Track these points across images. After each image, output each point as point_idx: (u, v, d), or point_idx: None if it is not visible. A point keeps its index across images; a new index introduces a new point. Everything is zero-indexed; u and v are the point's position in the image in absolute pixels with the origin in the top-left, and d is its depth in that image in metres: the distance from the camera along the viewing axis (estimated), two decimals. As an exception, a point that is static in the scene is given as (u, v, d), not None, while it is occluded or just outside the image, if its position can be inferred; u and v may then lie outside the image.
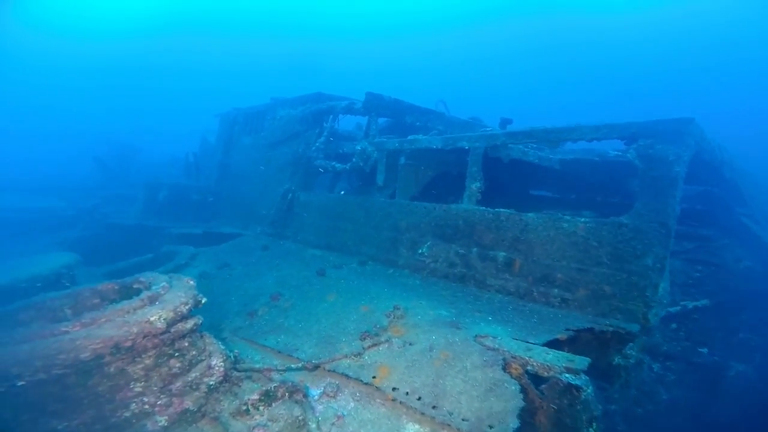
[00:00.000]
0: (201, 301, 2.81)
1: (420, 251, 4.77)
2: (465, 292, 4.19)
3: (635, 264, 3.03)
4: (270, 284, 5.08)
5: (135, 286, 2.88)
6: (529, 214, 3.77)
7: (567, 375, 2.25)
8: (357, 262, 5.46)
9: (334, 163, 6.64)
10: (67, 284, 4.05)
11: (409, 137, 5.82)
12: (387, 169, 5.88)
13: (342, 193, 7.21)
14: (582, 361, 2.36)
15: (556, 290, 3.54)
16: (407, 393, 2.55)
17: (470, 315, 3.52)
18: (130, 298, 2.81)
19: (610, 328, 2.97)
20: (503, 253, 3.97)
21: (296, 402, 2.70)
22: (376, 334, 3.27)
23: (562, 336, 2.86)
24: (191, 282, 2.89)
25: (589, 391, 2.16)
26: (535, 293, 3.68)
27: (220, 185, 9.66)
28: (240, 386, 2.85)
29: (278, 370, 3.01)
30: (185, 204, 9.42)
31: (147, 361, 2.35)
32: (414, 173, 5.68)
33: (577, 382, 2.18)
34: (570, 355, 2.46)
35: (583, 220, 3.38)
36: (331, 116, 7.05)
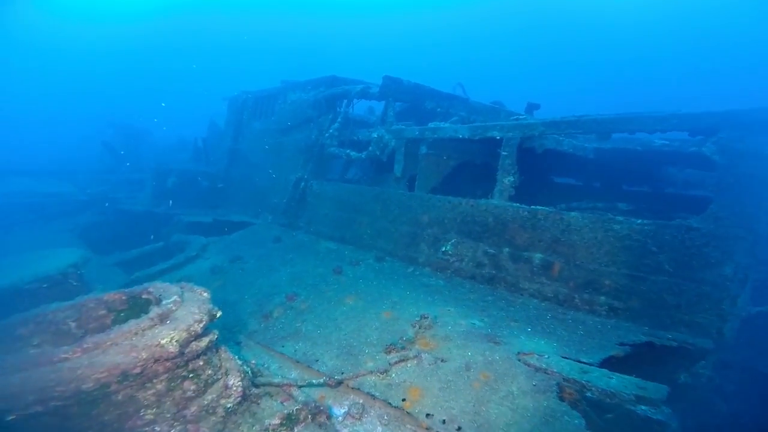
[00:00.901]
0: (216, 315, 2.55)
1: (443, 249, 4.45)
2: (495, 296, 3.89)
3: (709, 273, 2.68)
4: (284, 282, 4.84)
5: (144, 296, 2.63)
6: (572, 214, 3.40)
7: (643, 407, 1.95)
8: (374, 258, 5.18)
9: (348, 150, 6.26)
10: (75, 284, 3.84)
11: (430, 125, 5.40)
12: (405, 159, 5.50)
13: (352, 184, 6.85)
14: (658, 390, 2.05)
15: (602, 298, 3.21)
16: (444, 421, 2.29)
17: (506, 325, 3.23)
18: (139, 311, 2.57)
19: (674, 343, 2.65)
20: (540, 255, 3.63)
21: (319, 425, 2.47)
22: (403, 348, 3.00)
23: (618, 353, 2.55)
24: (205, 294, 2.62)
25: (674, 427, 1.86)
26: (578, 300, 3.36)
27: (229, 171, 9.37)
28: (259, 404, 2.62)
29: (298, 386, 2.78)
30: (194, 190, 9.19)
31: (158, 386, 2.12)
32: (435, 163, 5.29)
33: (659, 417, 1.88)
34: (639, 381, 2.16)
35: (639, 222, 3.00)
36: (346, 101, 6.62)
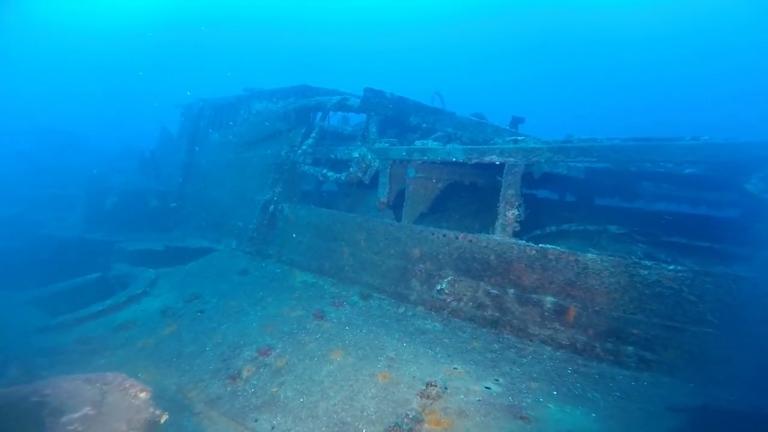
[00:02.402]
0: (160, 420, 1.84)
1: (438, 287, 3.96)
2: (502, 342, 3.45)
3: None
4: (255, 329, 4.09)
5: (34, 399, 1.82)
6: (590, 255, 3.05)
7: None
8: (358, 295, 4.58)
9: (325, 170, 5.63)
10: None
11: (417, 143, 4.93)
12: (391, 181, 4.98)
13: (330, 210, 6.22)
14: None
15: (630, 348, 2.86)
16: None
17: (526, 387, 2.77)
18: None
19: (739, 406, 2.30)
20: (552, 298, 3.24)
21: None
22: (410, 430, 2.43)
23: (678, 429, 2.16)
24: (142, 395, 1.89)
25: None
26: (600, 350, 2.99)
27: (184, 188, 8.33)
28: None
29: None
30: (141, 211, 8.01)
31: None
32: (423, 187, 4.82)
33: None
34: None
35: (671, 268, 2.70)
36: (321, 114, 5.99)
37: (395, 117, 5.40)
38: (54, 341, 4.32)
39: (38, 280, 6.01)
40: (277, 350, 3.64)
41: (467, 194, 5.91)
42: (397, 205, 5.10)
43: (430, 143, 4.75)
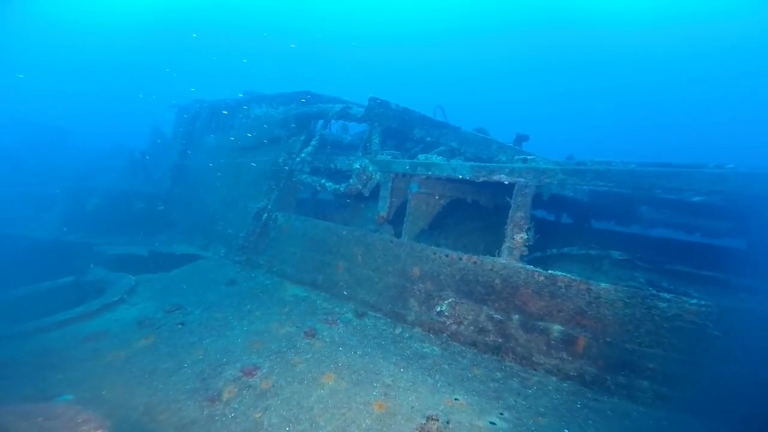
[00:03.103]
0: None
1: (438, 309, 3.75)
2: (505, 371, 3.23)
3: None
4: (240, 345, 3.80)
5: None
6: (603, 285, 2.89)
7: None
8: (353, 313, 4.33)
9: (323, 180, 5.44)
10: None
11: (420, 157, 4.80)
12: (392, 195, 4.81)
13: (327, 222, 6.00)
14: None
15: (645, 383, 2.68)
16: None
17: (533, 422, 2.56)
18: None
19: None
20: (559, 327, 3.06)
21: None
22: (413, 469, 2.18)
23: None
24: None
25: None
26: (611, 383, 2.80)
27: (173, 191, 8.02)
28: None
29: None
30: (125, 214, 7.64)
31: None
32: (425, 203, 4.66)
33: None
34: None
35: (694, 302, 2.55)
36: (322, 122, 5.85)
37: (399, 129, 5.28)
38: (6, 352, 3.82)
39: (3, 284, 5.56)
40: (264, 370, 3.35)
41: (467, 211, 5.77)
42: (396, 219, 4.92)
43: (434, 158, 4.63)
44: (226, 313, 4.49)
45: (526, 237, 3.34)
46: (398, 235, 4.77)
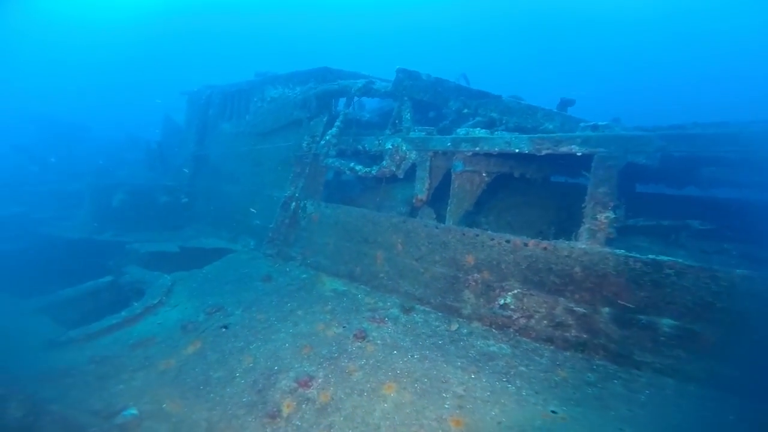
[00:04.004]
0: None
1: (502, 301, 3.43)
2: (597, 371, 2.90)
3: None
4: (288, 350, 3.63)
5: None
6: (738, 271, 2.45)
7: None
8: (399, 308, 4.07)
9: (352, 164, 5.03)
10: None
11: (459, 131, 4.29)
12: (431, 176, 4.38)
13: (360, 208, 5.62)
14: None
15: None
16: None
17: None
18: None
19: None
20: (671, 321, 2.67)
21: None
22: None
23: None
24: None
25: None
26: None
27: (194, 183, 7.80)
28: None
29: None
30: (150, 208, 7.52)
31: None
32: (470, 182, 4.22)
33: None
34: None
35: None
36: (345, 100, 5.34)
37: (431, 102, 4.74)
38: (64, 360, 3.87)
39: (45, 285, 5.54)
40: (319, 380, 3.16)
41: (505, 184, 5.29)
42: (432, 201, 4.53)
43: (477, 131, 4.12)
44: (267, 314, 4.33)
45: (613, 216, 2.89)
46: (439, 218, 4.39)
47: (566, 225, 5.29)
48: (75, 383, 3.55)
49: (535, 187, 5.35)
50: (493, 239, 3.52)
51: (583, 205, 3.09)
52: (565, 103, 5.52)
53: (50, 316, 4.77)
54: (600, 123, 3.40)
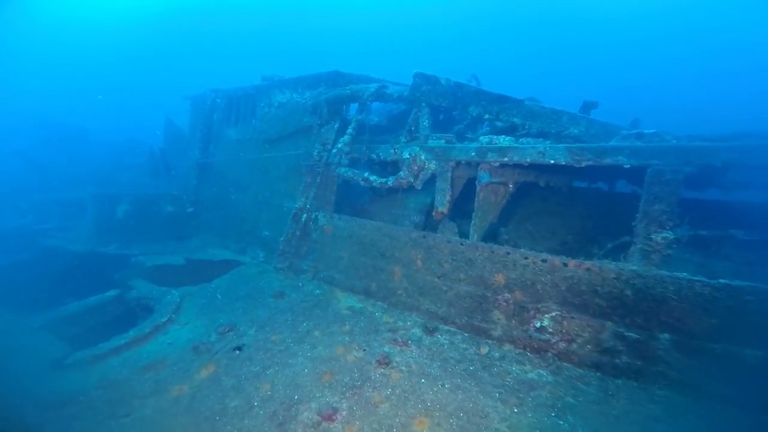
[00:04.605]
0: None
1: (538, 324, 3.20)
2: (661, 402, 2.63)
3: None
4: (308, 377, 3.41)
5: None
6: None
7: None
8: (421, 328, 3.86)
9: (366, 174, 4.80)
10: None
11: (482, 139, 4.05)
12: (452, 188, 4.15)
13: (375, 221, 5.40)
14: None
15: None
16: None
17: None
18: None
19: None
20: (756, 353, 2.42)
21: None
22: None
23: None
24: None
25: None
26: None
27: (200, 191, 7.58)
28: None
29: None
30: (155, 219, 7.32)
31: None
32: (494, 193, 3.99)
33: None
34: None
35: None
36: (357, 105, 5.10)
37: (450, 108, 4.50)
38: (71, 383, 3.68)
39: (49, 299, 5.30)
40: (343, 413, 2.95)
41: (525, 191, 5.05)
42: (450, 216, 4.30)
43: (504, 140, 3.88)
44: (282, 334, 4.12)
45: (671, 237, 2.65)
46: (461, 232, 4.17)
47: (591, 234, 5.06)
48: (80, 412, 3.34)
49: (557, 194, 5.11)
50: (527, 258, 3.29)
51: (633, 223, 2.84)
52: (588, 106, 5.27)
53: (54, 333, 4.57)
54: (646, 131, 3.15)
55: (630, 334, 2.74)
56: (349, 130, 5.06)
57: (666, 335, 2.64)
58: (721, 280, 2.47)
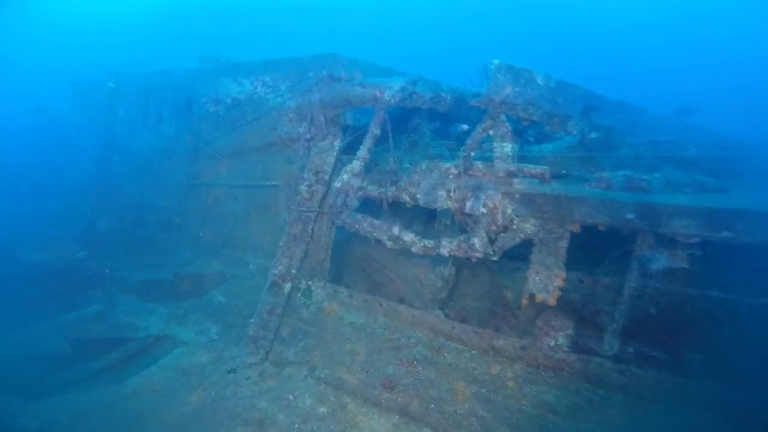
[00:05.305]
0: None
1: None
2: None
3: None
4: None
5: None
6: None
7: None
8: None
9: (396, 228, 3.00)
10: None
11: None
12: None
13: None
14: None
15: None
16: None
17: None
18: None
19: None
20: None
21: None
22: None
23: None
24: None
25: None
26: None
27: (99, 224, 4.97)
28: None
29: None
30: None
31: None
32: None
33: None
34: None
35: None
36: (374, 112, 3.19)
37: (544, 121, 2.83)
38: (47, 412, 3.08)
39: (25, 317, 4.29)
40: None
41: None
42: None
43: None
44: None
45: None
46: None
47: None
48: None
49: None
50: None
51: None
52: (684, 112, 3.99)
53: (28, 354, 3.89)
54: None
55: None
56: (361, 152, 3.16)
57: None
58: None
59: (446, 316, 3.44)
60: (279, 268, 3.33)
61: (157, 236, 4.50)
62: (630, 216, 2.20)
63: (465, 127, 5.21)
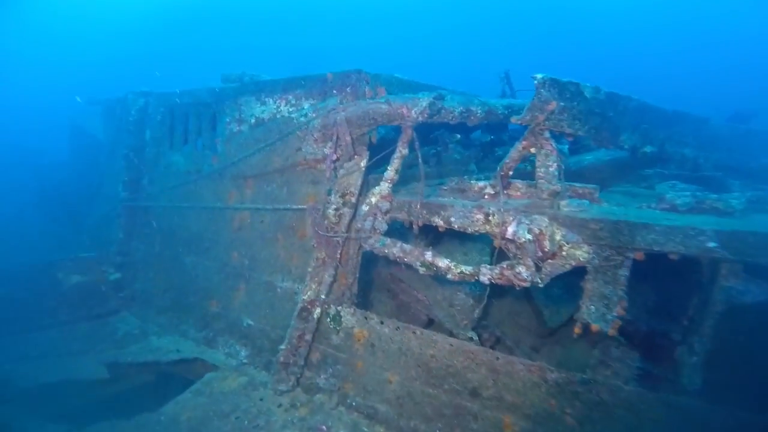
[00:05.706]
0: None
1: None
2: None
3: None
4: None
5: None
6: None
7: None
8: None
9: (428, 253, 2.83)
10: None
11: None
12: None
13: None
14: None
15: None
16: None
17: None
18: None
19: None
20: None
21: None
22: None
23: None
24: None
25: None
26: None
27: (130, 247, 5.03)
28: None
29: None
30: (49, 295, 4.74)
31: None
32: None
33: None
34: None
35: None
36: (405, 129, 3.02)
37: (591, 136, 2.58)
38: None
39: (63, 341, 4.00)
40: None
41: None
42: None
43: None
44: None
45: None
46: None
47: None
48: None
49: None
50: None
51: None
52: (742, 117, 3.62)
53: (66, 378, 3.64)
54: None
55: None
56: (389, 173, 3.01)
57: None
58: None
59: (479, 336, 3.32)
60: (308, 293, 3.22)
61: (185, 259, 4.51)
62: (711, 245, 1.93)
63: (489, 137, 4.98)
